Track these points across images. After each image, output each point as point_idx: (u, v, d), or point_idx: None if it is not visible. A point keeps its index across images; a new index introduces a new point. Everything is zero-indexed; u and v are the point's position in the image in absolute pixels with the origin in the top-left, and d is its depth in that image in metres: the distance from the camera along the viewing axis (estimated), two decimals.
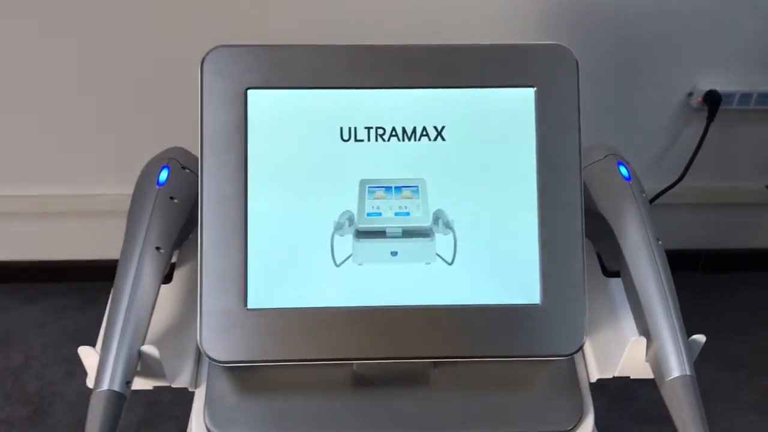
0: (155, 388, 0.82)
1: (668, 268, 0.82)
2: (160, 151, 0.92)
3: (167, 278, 0.90)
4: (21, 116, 1.60)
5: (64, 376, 1.70)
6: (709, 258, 1.94)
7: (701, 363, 0.79)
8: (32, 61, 1.51)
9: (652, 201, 1.67)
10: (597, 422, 0.81)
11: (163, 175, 0.87)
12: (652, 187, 1.67)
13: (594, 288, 0.89)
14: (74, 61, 1.50)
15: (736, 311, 1.86)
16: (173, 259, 0.91)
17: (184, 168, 0.89)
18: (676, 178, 1.68)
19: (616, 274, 0.88)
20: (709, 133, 1.63)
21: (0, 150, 1.65)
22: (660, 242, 0.83)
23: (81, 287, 1.87)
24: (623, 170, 0.88)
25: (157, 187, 0.86)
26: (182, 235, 0.86)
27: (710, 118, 1.62)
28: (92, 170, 1.66)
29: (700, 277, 1.94)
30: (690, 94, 1.63)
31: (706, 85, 1.61)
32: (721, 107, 1.61)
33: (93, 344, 0.80)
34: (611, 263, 0.90)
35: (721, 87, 1.60)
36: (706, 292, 1.89)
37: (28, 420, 1.62)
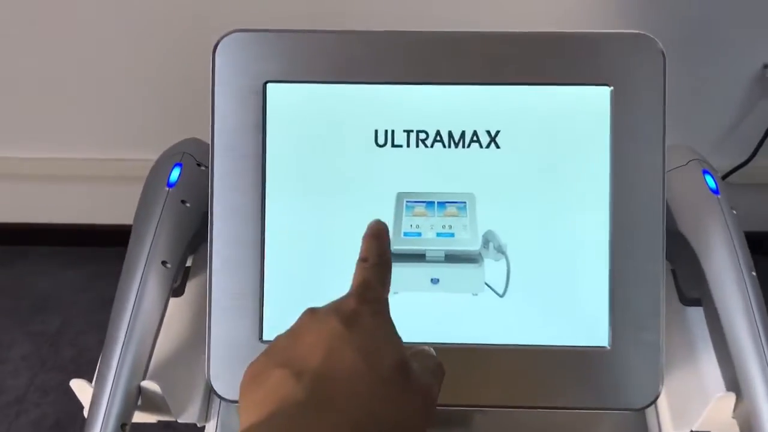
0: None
1: (764, 305, 0.69)
2: (174, 144, 0.83)
3: (179, 289, 0.82)
4: (54, 83, 1.58)
5: (98, 343, 1.67)
6: None
7: None
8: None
9: (723, 178, 1.56)
10: None
11: (175, 174, 0.77)
12: (721, 165, 1.56)
13: (669, 318, 0.75)
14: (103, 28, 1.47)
15: None
16: (188, 263, 0.82)
17: (200, 165, 0.79)
18: (746, 156, 1.59)
19: (696, 302, 0.76)
20: None
21: (41, 114, 1.64)
22: (754, 273, 0.71)
23: (121, 252, 1.83)
24: (710, 181, 0.76)
25: (167, 188, 0.76)
26: (196, 240, 0.77)
27: None
28: (136, 135, 1.64)
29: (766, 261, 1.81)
30: (766, 67, 1.52)
31: None
32: None
33: None
34: (691, 290, 0.78)
35: None
36: None
37: (62, 386, 1.60)
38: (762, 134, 1.56)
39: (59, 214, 1.84)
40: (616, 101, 0.66)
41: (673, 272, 0.82)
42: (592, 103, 0.66)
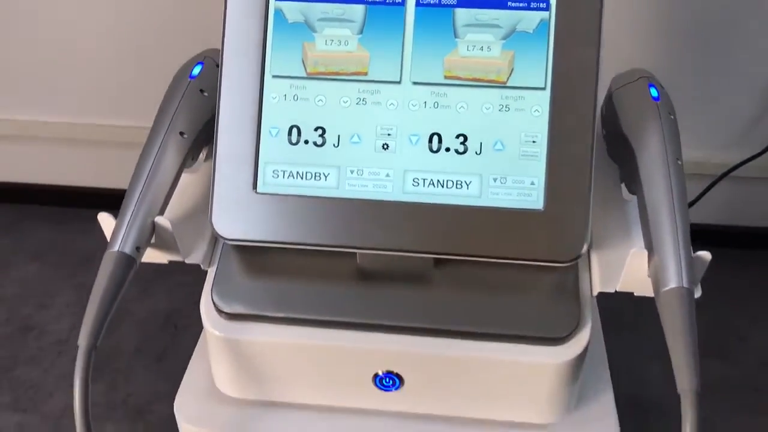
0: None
1: (684, 188, 0.79)
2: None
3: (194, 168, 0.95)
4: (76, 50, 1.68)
5: (137, 295, 1.79)
6: None
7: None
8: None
9: (731, 171, 1.60)
10: None
11: (196, 69, 0.91)
12: (738, 157, 1.60)
13: (611, 208, 0.88)
14: None
15: None
16: (202, 154, 0.96)
17: (218, 66, 0.92)
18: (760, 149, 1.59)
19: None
20: None
21: (92, 80, 1.74)
22: (680, 162, 0.80)
23: None
24: (653, 91, 0.86)
25: (189, 79, 0.90)
26: (211, 128, 0.89)
27: None
28: None
29: None
30: None
31: None
32: None
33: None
34: (632, 186, 0.88)
35: None
36: None
37: None
38: None
39: (104, 178, 1.95)
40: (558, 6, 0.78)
41: (621, 173, 0.92)
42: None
